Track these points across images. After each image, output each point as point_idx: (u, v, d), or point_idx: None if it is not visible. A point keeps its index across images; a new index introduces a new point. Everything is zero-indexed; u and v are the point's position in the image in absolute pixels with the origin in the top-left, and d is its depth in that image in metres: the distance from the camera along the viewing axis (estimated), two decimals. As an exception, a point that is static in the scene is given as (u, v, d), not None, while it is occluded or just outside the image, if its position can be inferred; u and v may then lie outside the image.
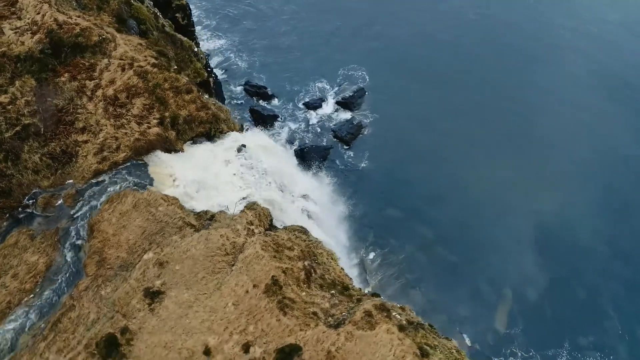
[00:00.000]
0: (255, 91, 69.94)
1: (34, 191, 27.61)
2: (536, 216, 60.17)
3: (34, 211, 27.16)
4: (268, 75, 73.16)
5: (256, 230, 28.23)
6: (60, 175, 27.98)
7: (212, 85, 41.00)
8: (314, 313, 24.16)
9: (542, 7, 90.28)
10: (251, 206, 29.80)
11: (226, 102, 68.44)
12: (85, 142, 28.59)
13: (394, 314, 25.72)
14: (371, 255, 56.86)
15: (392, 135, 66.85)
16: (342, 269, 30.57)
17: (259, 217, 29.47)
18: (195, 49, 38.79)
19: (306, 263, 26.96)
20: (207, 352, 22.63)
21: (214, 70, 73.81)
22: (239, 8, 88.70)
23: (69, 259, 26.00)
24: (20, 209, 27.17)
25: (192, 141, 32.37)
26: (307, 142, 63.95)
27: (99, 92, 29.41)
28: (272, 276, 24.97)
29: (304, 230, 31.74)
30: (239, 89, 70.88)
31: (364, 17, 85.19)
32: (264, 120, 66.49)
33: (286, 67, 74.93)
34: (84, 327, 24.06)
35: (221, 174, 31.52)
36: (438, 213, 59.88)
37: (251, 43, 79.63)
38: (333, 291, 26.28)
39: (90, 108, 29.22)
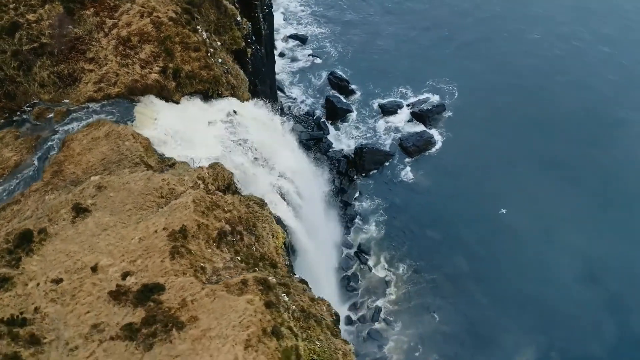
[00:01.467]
0: (337, 83, 71.23)
1: (34, 101, 31.72)
2: (588, 282, 54.94)
3: (28, 117, 31.24)
4: (355, 70, 73.80)
5: (202, 186, 29.65)
6: (60, 94, 31.82)
7: (249, 56, 43.04)
8: (202, 267, 25.19)
9: None
10: (213, 165, 31.29)
11: (301, 86, 70.75)
12: (90, 71, 32.14)
13: (282, 294, 25.87)
14: (401, 268, 56.01)
15: (458, 160, 64.29)
16: (279, 247, 31.03)
17: (215, 177, 30.89)
18: (238, 18, 40.95)
19: (227, 226, 27.89)
20: (94, 269, 24.64)
21: (311, 54, 76.56)
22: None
23: (35, 164, 29.57)
24: (18, 112, 31.41)
25: (190, 95, 34.66)
26: (364, 142, 63.89)
27: (115, 31, 32.78)
28: (183, 225, 26.29)
29: (260, 203, 32.60)
30: (324, 75, 72.79)
31: (474, 34, 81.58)
32: (336, 111, 67.57)
33: (375, 66, 75.00)
34: (18, 220, 27.34)
35: (203, 131, 33.44)
36: (480, 249, 57.26)
37: (349, 36, 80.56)
38: (239, 257, 26.98)
39: (103, 43, 32.71)
